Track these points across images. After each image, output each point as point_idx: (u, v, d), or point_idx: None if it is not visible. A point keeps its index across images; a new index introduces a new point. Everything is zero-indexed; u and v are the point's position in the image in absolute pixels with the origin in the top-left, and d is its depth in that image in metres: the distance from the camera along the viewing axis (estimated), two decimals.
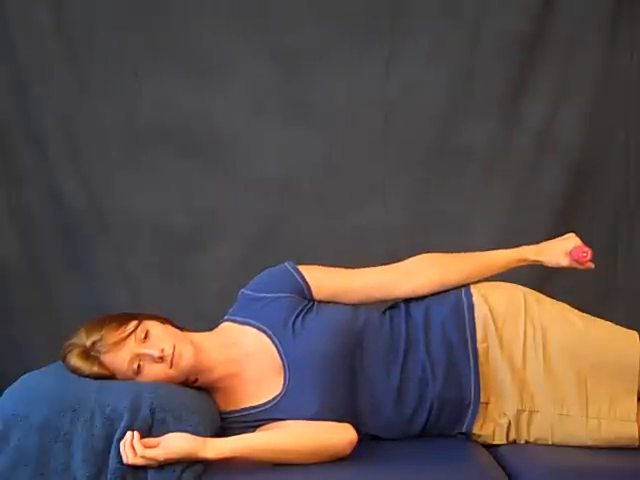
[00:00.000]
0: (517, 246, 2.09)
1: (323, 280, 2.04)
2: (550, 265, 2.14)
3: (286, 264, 2.05)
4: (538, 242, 2.86)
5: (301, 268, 2.04)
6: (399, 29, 2.86)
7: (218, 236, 2.89)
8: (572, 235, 2.14)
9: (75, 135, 2.84)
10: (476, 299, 2.04)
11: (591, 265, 2.13)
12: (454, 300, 2.05)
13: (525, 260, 2.14)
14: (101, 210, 2.86)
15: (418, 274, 2.07)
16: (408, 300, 2.08)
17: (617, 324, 2.07)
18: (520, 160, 2.88)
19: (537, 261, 2.14)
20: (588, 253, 2.09)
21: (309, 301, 2.01)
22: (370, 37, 2.86)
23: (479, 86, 2.87)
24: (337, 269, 2.08)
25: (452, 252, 2.87)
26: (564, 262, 2.12)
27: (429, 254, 2.10)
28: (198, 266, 2.89)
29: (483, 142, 2.89)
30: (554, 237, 2.88)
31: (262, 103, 2.88)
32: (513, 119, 2.87)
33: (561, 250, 2.12)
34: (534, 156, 2.88)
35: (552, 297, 2.10)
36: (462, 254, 2.11)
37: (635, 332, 2.04)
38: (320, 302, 2.02)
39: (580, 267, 2.13)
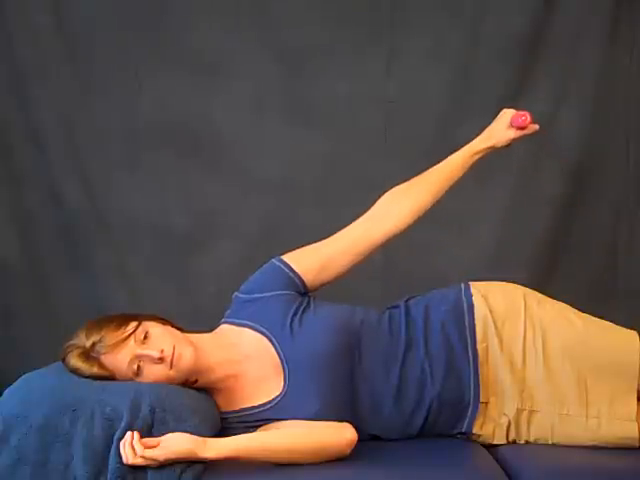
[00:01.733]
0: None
1: (308, 261, 2.05)
2: (502, 144, 2.14)
3: (273, 260, 2.06)
4: (538, 242, 2.90)
5: (287, 259, 2.05)
6: (400, 28, 2.85)
7: (218, 236, 2.89)
8: (504, 110, 2.16)
9: (75, 135, 2.84)
10: (476, 299, 2.04)
11: (535, 127, 2.14)
12: (454, 300, 2.05)
13: (479, 151, 2.14)
14: (101, 210, 2.86)
15: (391, 212, 2.08)
16: (408, 299, 2.09)
17: (617, 324, 2.07)
18: (520, 160, 2.87)
19: (490, 147, 2.14)
20: (526, 116, 2.11)
21: (304, 295, 2.03)
22: (371, 36, 2.86)
23: (479, 85, 2.87)
24: (317, 244, 2.09)
25: (455, 252, 2.89)
26: (512, 134, 2.13)
27: (391, 190, 2.11)
28: (198, 266, 2.89)
29: None
30: (554, 237, 2.92)
31: (262, 102, 2.88)
32: None
33: (503, 126, 2.14)
34: (534, 156, 2.87)
35: (552, 297, 2.09)
36: (421, 175, 2.13)
37: (635, 332, 2.04)
38: (315, 288, 2.05)
39: (527, 133, 2.14)
